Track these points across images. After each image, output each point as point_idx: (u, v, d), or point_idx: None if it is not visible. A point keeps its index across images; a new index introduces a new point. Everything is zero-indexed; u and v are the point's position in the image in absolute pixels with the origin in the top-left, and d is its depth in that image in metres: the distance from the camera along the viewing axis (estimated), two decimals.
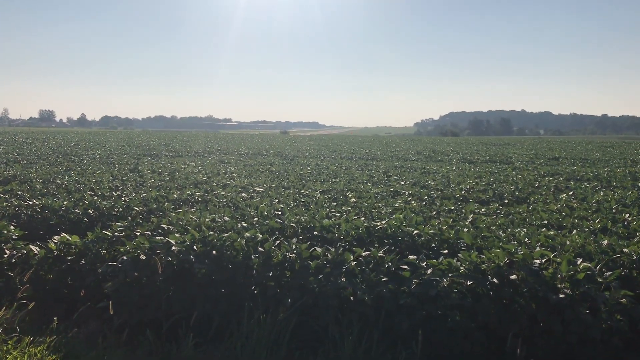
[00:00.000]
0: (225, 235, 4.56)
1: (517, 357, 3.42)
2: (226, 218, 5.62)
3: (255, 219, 5.71)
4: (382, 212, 6.71)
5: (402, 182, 10.92)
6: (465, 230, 5.14)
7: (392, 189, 9.50)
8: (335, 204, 7.55)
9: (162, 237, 4.51)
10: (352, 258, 4.13)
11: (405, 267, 3.99)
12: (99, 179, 10.20)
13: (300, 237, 5.15)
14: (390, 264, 4.08)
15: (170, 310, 3.97)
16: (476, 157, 21.11)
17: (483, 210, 7.12)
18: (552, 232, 5.11)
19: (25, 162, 15.30)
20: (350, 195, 8.54)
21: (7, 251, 4.70)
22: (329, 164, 16.81)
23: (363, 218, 5.93)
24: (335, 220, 5.61)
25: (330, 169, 14.67)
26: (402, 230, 5.13)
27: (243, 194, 8.36)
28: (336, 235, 5.13)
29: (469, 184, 10.30)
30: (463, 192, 9.15)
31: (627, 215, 6.39)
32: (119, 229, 4.99)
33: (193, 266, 4.12)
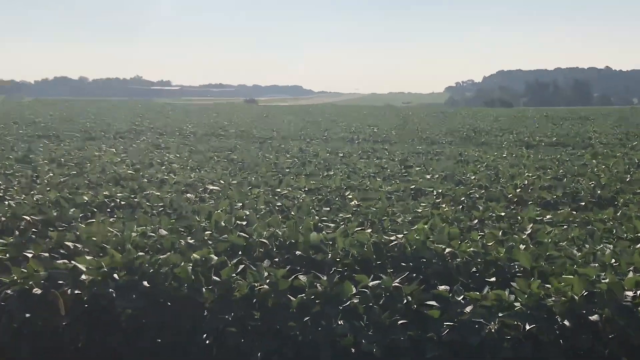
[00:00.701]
0: (162, 257, 4.53)
1: None
2: (163, 232, 5.59)
3: (208, 232, 5.70)
4: (398, 220, 6.72)
5: (428, 176, 10.95)
6: (522, 247, 5.17)
7: (412, 187, 9.51)
8: (328, 209, 7.54)
9: (66, 261, 4.48)
10: (353, 291, 4.13)
11: (433, 303, 4.00)
12: None
13: (276, 260, 5.15)
14: (410, 298, 4.09)
15: None
16: (538, 138, 21.24)
17: (548, 217, 7.16)
18: None
19: None
20: (350, 196, 8.53)
21: None
22: (319, 148, 16.81)
23: (369, 230, 5.92)
24: (328, 233, 5.61)
25: (321, 156, 14.66)
26: (428, 248, 5.14)
27: (189, 195, 8.31)
28: (329, 256, 5.14)
29: (528, 178, 10.36)
30: (518, 190, 9.20)
31: None
32: (0, 249, 4.95)
33: (114, 304, 4.10)
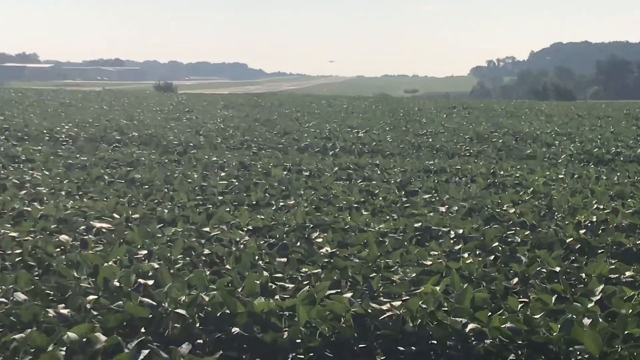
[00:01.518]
0: (19, 336, 4.49)
1: None
2: (21, 296, 5.53)
3: (92, 297, 5.66)
4: (395, 279, 6.73)
5: (442, 209, 10.99)
6: (587, 322, 5.20)
7: (418, 224, 9.55)
8: (284, 260, 7.54)
9: None
10: None
11: None
12: None
13: (200, 341, 5.13)
14: None
15: None
16: (614, 150, 21.42)
17: (628, 274, 7.22)
18: None
19: None
20: (320, 240, 8.54)
21: None
22: (272, 163, 16.76)
23: (349, 294, 5.93)
24: (285, 299, 5.61)
25: (275, 175, 14.62)
26: (441, 323, 5.16)
27: (63, 238, 8.24)
28: (285, 335, 5.13)
29: (597, 213, 10.43)
30: (582, 232, 9.26)
31: None
32: None
33: None
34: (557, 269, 7.28)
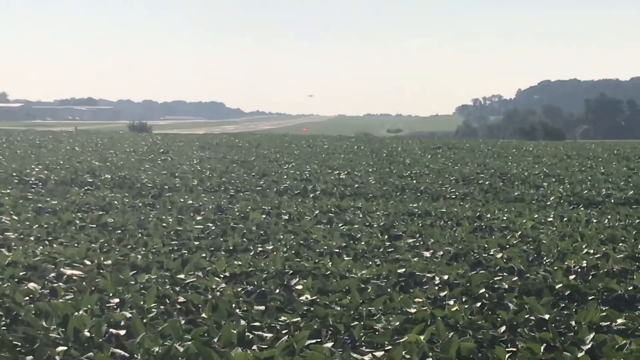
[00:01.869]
0: None
1: None
2: None
3: (62, 348, 5.63)
4: (377, 327, 6.73)
5: (427, 254, 10.99)
6: None
7: (401, 270, 9.54)
8: (262, 308, 7.52)
9: None
10: None
11: None
12: None
13: None
14: None
15: None
16: (604, 192, 21.47)
17: (620, 322, 7.21)
18: None
19: None
20: (299, 287, 8.52)
21: None
22: (250, 207, 16.73)
23: (330, 344, 5.91)
24: (263, 350, 5.60)
25: (253, 219, 14.59)
26: None
27: (31, 285, 8.20)
28: None
29: (588, 257, 10.45)
30: (572, 278, 9.28)
31: None
32: None
33: None
34: (546, 316, 7.27)
